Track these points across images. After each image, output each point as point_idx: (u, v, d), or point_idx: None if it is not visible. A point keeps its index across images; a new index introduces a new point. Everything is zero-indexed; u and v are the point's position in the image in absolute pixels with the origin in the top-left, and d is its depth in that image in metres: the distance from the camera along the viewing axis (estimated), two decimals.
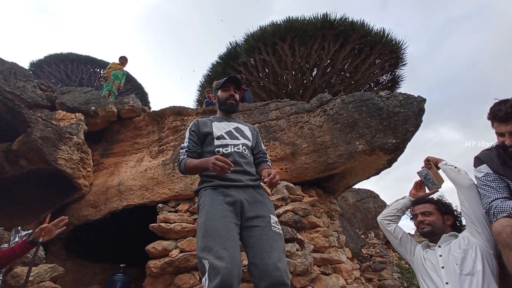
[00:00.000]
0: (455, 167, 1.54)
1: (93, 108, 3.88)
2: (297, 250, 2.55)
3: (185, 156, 1.56)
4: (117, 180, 3.58)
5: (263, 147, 1.78)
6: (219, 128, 1.64)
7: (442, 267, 1.38)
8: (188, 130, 1.69)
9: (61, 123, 3.57)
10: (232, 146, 1.57)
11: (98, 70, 11.46)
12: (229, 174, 1.43)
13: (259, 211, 1.40)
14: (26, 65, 10.79)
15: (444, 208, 1.58)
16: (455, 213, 1.58)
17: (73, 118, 3.69)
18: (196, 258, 2.72)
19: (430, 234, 1.53)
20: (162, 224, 2.92)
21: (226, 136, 1.61)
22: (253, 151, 1.70)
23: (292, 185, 3.14)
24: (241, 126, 1.72)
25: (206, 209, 1.36)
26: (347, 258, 3.39)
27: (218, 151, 1.55)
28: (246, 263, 1.33)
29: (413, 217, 1.65)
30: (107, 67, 5.89)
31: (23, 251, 1.71)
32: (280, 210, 2.79)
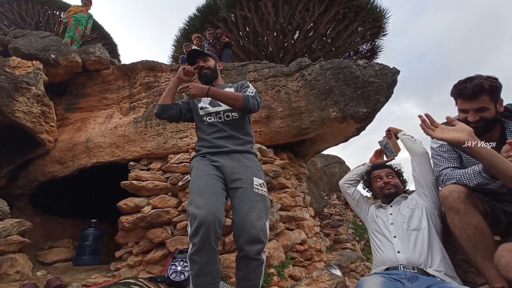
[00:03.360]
0: (412, 137, 1.66)
1: (53, 56, 3.49)
2: None
3: None
4: (85, 137, 3.40)
5: (249, 86, 1.66)
6: (204, 99, 1.67)
7: (392, 224, 1.54)
8: None
9: (15, 71, 3.20)
10: (214, 114, 1.60)
11: (57, 12, 10.06)
12: (215, 141, 1.53)
13: (241, 174, 1.44)
14: None
15: (397, 173, 1.72)
16: (403, 177, 1.74)
17: (30, 67, 3.31)
18: (168, 214, 2.79)
19: (394, 195, 1.64)
20: (133, 181, 2.90)
21: (208, 106, 1.64)
22: None
23: (265, 147, 3.20)
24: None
25: (193, 172, 1.49)
26: (310, 216, 3.67)
27: (204, 121, 1.62)
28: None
29: (374, 179, 1.72)
30: (67, 11, 5.12)
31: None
32: None
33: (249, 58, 8.84)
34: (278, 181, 3.08)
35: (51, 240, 3.62)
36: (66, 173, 3.38)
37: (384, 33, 9.12)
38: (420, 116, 1.27)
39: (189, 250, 1.25)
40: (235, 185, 1.42)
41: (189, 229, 1.27)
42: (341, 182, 1.90)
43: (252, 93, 1.58)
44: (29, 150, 3.37)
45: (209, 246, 1.21)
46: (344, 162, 7.78)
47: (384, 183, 1.66)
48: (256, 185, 1.43)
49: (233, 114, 1.59)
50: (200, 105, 1.66)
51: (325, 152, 5.92)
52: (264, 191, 1.46)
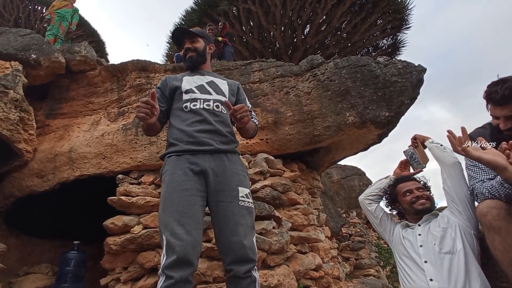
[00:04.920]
0: (441, 145, 1.66)
1: (33, 56, 3.58)
2: (273, 228, 2.67)
3: None
4: (68, 146, 3.45)
5: (249, 105, 1.73)
6: (190, 81, 1.62)
7: (421, 246, 1.52)
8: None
9: None
10: (201, 101, 1.54)
11: (38, 7, 10.39)
12: (198, 135, 1.46)
13: (226, 185, 1.42)
14: None
15: (425, 187, 1.71)
16: (430, 193, 1.73)
17: (8, 68, 3.40)
18: None
19: (428, 210, 1.62)
20: (122, 197, 2.92)
21: (195, 90, 1.58)
22: None
23: (273, 158, 3.20)
24: (217, 80, 1.68)
25: (167, 180, 1.41)
26: (326, 237, 3.63)
27: (186, 107, 1.54)
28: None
29: (402, 194, 1.71)
30: (50, 7, 5.30)
31: None
32: (258, 185, 2.86)
33: (254, 56, 8.96)
34: (288, 196, 3.07)
35: (28, 264, 3.63)
36: (46, 187, 3.41)
37: (407, 26, 9.19)
38: (449, 132, 1.33)
39: (161, 282, 1.26)
40: (219, 198, 1.41)
41: (163, 258, 1.28)
42: (361, 197, 1.89)
43: (257, 120, 1.69)
44: (5, 162, 3.42)
45: (186, 280, 1.24)
46: (364, 173, 7.74)
47: (415, 197, 1.65)
48: (242, 197, 1.42)
49: (222, 107, 1.57)
50: (184, 86, 1.59)
51: (342, 162, 5.89)
52: (250, 203, 1.46)
